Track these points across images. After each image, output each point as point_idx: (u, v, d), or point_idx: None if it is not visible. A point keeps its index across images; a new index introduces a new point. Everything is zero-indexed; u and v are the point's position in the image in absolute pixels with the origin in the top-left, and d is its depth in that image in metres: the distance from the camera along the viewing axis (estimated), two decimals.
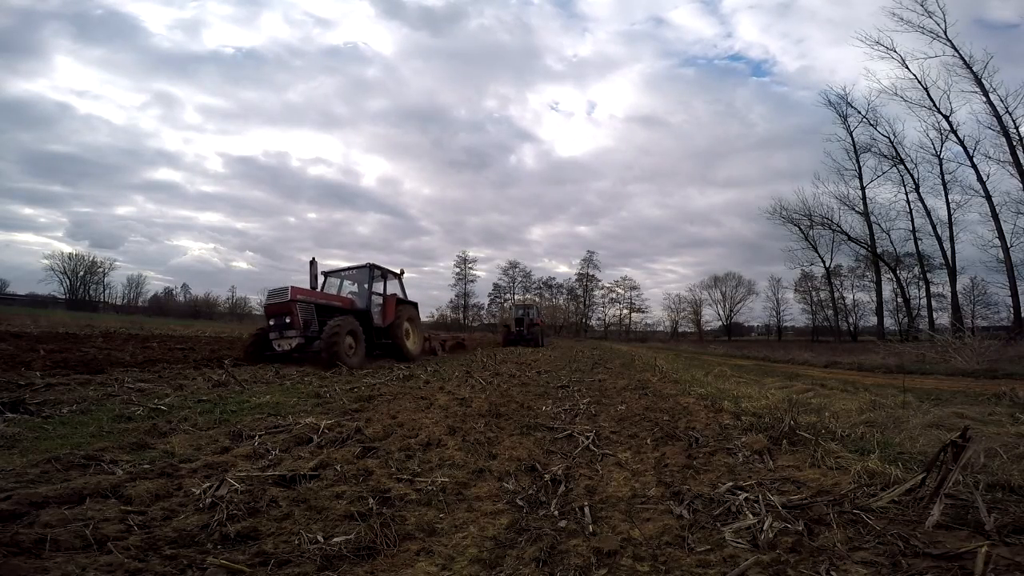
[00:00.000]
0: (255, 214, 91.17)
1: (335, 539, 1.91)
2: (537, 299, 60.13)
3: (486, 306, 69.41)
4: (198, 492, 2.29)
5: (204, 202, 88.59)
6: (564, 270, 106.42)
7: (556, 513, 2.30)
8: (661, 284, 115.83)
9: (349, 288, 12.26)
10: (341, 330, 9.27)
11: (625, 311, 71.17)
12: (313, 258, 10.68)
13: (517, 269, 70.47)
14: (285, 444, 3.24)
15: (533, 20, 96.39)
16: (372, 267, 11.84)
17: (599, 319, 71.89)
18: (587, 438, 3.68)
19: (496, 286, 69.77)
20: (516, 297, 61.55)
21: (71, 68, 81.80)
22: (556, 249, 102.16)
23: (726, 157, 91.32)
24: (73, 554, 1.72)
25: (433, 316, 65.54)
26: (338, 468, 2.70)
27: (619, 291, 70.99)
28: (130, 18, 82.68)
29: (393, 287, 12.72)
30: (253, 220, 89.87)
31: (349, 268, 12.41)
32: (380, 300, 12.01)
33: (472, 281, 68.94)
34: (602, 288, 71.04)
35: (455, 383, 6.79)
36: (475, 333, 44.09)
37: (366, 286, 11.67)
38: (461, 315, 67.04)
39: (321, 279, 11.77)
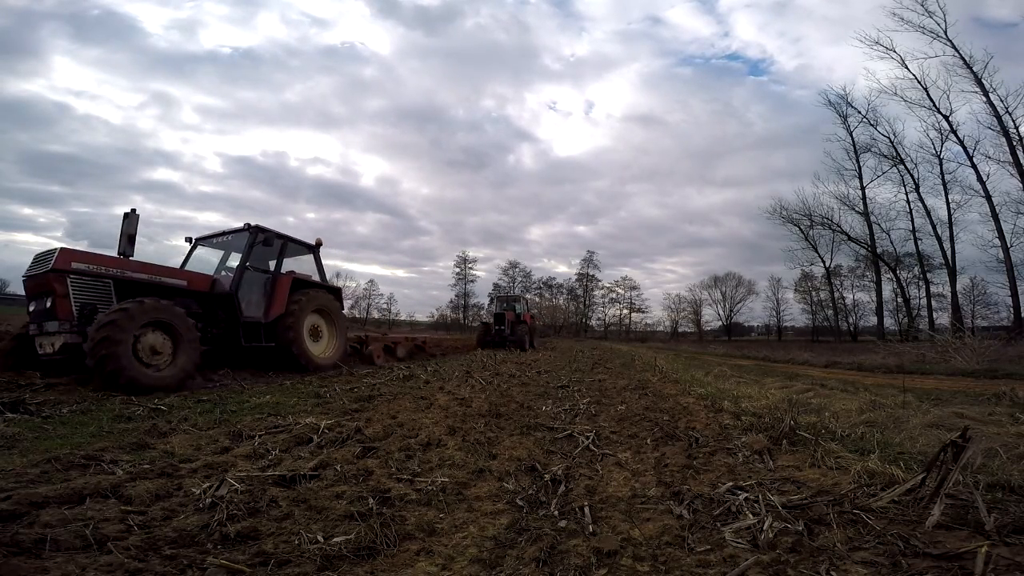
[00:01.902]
0: (254, 214, 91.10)
1: (335, 539, 1.90)
2: (537, 299, 59.97)
3: (486, 306, 69.41)
4: (198, 492, 2.29)
5: (203, 202, 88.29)
6: (563, 270, 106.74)
7: (556, 513, 2.30)
8: (661, 284, 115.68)
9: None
10: (125, 324, 5.39)
11: (625, 311, 71.15)
12: (132, 209, 6.34)
13: (517, 269, 70.39)
14: (285, 444, 3.24)
15: (530, 19, 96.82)
16: (255, 230, 7.84)
17: (599, 319, 71.84)
18: (587, 438, 3.68)
19: (496, 286, 69.59)
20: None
21: (69, 68, 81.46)
22: (555, 249, 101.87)
23: (724, 156, 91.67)
24: (73, 554, 1.72)
25: (433, 316, 65.64)
26: (338, 468, 2.70)
27: (619, 291, 70.96)
28: (127, 18, 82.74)
29: (301, 265, 9.01)
30: (252, 220, 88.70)
31: (224, 233, 8.28)
32: (266, 282, 8.10)
33: (472, 281, 68.92)
34: (602, 288, 71.03)
35: (455, 383, 6.79)
36: (475, 334, 43.74)
37: (246, 260, 7.74)
38: (461, 315, 67.01)
39: (198, 249, 8.36)
